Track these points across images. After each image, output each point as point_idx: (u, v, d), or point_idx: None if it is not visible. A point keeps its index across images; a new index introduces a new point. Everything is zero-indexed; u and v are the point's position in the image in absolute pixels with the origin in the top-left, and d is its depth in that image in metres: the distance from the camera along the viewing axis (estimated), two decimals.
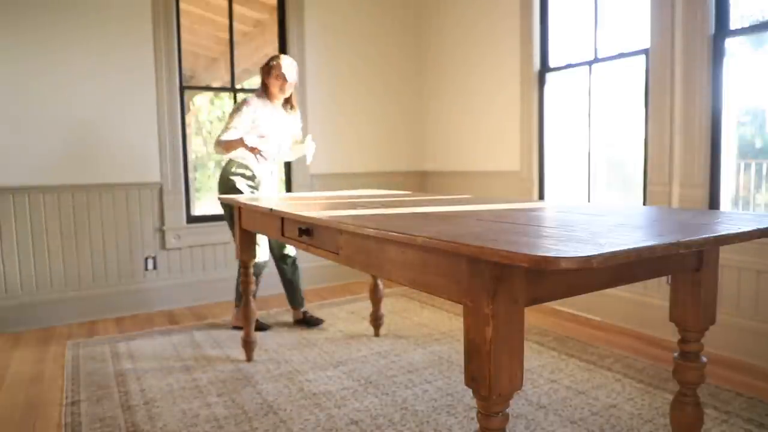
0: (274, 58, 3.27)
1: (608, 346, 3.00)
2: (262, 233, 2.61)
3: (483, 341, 1.15)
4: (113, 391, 2.54)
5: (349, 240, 1.71)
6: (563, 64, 3.81)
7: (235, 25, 4.28)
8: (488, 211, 1.83)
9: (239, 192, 3.24)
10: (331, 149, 4.69)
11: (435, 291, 1.32)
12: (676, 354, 1.67)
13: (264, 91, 3.31)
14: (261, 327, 3.37)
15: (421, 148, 5.18)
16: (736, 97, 2.92)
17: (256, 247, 2.90)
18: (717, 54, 2.86)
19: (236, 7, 4.30)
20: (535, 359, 2.81)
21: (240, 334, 3.11)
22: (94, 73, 3.70)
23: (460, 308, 3.66)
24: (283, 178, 4.59)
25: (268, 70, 3.26)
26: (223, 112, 6.21)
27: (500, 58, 4.20)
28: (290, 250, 3.42)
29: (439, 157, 4.99)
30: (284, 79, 3.24)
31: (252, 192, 3.29)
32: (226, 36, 4.23)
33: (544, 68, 3.91)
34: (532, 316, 3.56)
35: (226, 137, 3.13)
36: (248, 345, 2.89)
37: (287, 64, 3.26)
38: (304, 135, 3.63)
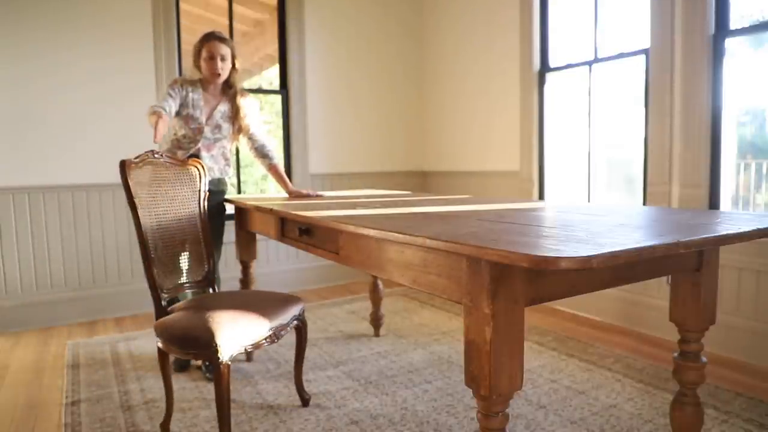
0: (204, 36, 2.74)
1: (608, 346, 3.00)
2: (262, 233, 2.61)
3: (483, 341, 1.15)
4: (113, 391, 2.53)
5: (349, 240, 1.71)
6: (563, 64, 3.81)
7: (235, 25, 4.28)
8: (488, 211, 1.83)
9: None
10: (331, 149, 4.69)
11: (435, 291, 1.32)
12: (676, 354, 1.67)
13: (199, 78, 2.80)
14: None
15: (421, 148, 5.18)
16: (736, 97, 2.92)
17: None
18: (717, 54, 2.85)
19: (236, 7, 4.30)
20: (535, 359, 2.81)
21: None
22: (94, 72, 3.70)
23: (460, 308, 3.66)
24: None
25: (198, 50, 2.74)
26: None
27: (500, 58, 4.20)
28: None
29: (440, 157, 4.98)
30: (214, 59, 2.69)
31: None
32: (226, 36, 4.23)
33: (544, 68, 3.91)
34: (532, 316, 3.56)
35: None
36: None
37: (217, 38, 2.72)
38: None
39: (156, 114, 2.43)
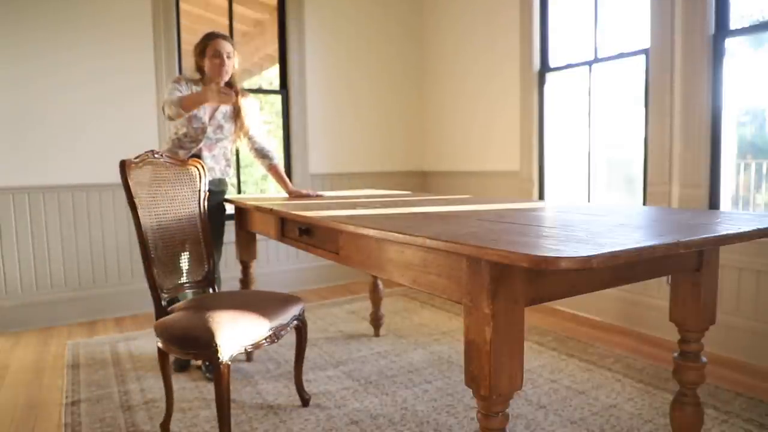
0: (208, 35, 2.77)
1: (608, 346, 3.00)
2: (262, 233, 2.61)
3: (483, 341, 1.15)
4: (113, 391, 2.53)
5: (349, 240, 1.71)
6: (563, 64, 3.81)
7: (235, 25, 4.28)
8: (488, 211, 1.83)
9: None
10: (331, 149, 4.69)
11: (435, 291, 1.32)
12: (676, 354, 1.66)
13: (200, 78, 2.81)
14: None
15: (421, 148, 5.18)
16: (736, 97, 2.92)
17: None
18: (717, 54, 2.85)
19: (236, 7, 4.30)
20: (535, 359, 2.81)
21: None
22: (94, 72, 3.70)
23: (460, 308, 3.66)
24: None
25: (202, 49, 2.75)
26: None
27: (500, 58, 4.20)
28: None
29: (440, 157, 4.98)
30: (221, 57, 2.71)
31: None
32: None
33: (544, 68, 3.91)
34: (532, 316, 3.56)
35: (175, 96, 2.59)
36: None
37: (223, 40, 2.75)
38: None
39: (184, 95, 2.48)
